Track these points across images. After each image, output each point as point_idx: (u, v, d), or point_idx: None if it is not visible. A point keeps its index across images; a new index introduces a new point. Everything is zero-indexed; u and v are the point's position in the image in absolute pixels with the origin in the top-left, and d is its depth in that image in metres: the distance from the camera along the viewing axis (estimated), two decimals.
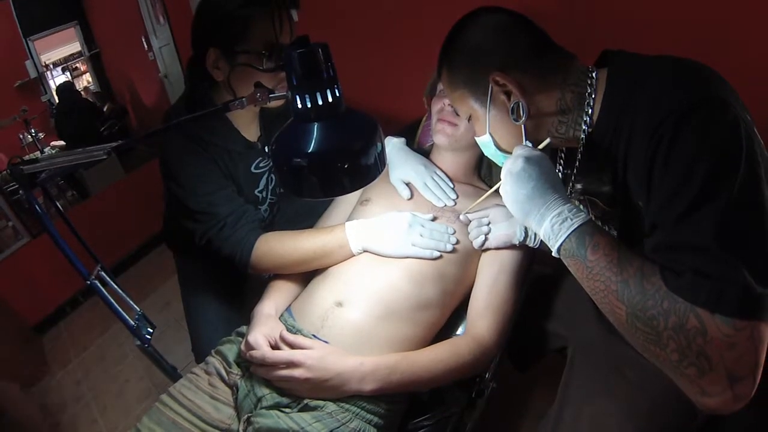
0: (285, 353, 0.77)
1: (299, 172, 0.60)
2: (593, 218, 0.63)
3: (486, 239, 0.90)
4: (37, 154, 2.19)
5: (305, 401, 0.77)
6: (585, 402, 0.83)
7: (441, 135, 0.96)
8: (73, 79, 2.38)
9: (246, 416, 0.78)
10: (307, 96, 0.58)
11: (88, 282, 0.87)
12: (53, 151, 2.25)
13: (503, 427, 1.34)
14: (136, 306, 0.93)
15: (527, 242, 0.90)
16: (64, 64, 2.32)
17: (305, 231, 0.96)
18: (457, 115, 0.93)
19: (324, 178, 0.61)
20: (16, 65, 2.00)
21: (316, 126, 0.60)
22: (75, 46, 2.35)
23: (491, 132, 0.73)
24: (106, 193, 2.25)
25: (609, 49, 0.70)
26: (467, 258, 0.91)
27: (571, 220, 0.62)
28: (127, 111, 2.46)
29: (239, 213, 0.95)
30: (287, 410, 0.77)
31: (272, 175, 1.13)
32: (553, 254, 0.65)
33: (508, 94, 0.68)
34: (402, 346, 0.84)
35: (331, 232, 0.92)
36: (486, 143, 0.75)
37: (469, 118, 0.75)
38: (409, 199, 0.98)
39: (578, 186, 0.80)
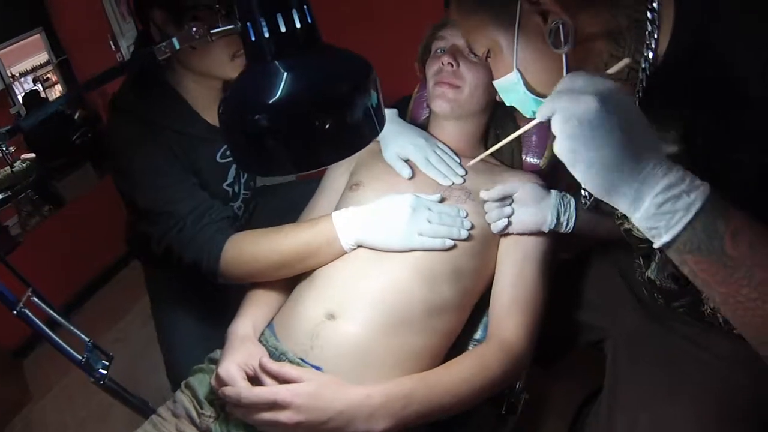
0: (266, 391, 0.56)
1: (259, 137, 0.39)
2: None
3: (509, 223, 0.71)
4: (7, 169, 2.01)
5: None
6: (642, 407, 0.69)
7: (441, 100, 0.76)
8: (45, 90, 2.18)
9: None
10: (263, 21, 0.37)
11: (15, 312, 0.65)
12: (24, 165, 2.06)
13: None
14: (83, 336, 0.72)
15: (559, 229, 0.71)
16: (34, 74, 2.12)
17: (284, 227, 0.75)
18: (473, 54, 0.75)
19: (295, 143, 0.40)
20: None
21: (279, 66, 0.38)
22: (43, 56, 2.16)
23: (519, 68, 0.51)
24: (82, 202, 2.05)
25: None
26: (485, 246, 0.72)
27: (689, 195, 0.38)
28: (99, 117, 2.25)
29: (202, 209, 0.76)
30: None
31: None
32: (655, 247, 0.42)
33: (543, 14, 0.47)
34: (414, 363, 0.65)
35: (315, 225, 0.72)
36: (511, 85, 0.53)
37: (487, 55, 0.54)
38: (410, 179, 0.77)
39: None
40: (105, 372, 0.73)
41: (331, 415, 0.54)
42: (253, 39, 0.38)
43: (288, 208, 0.97)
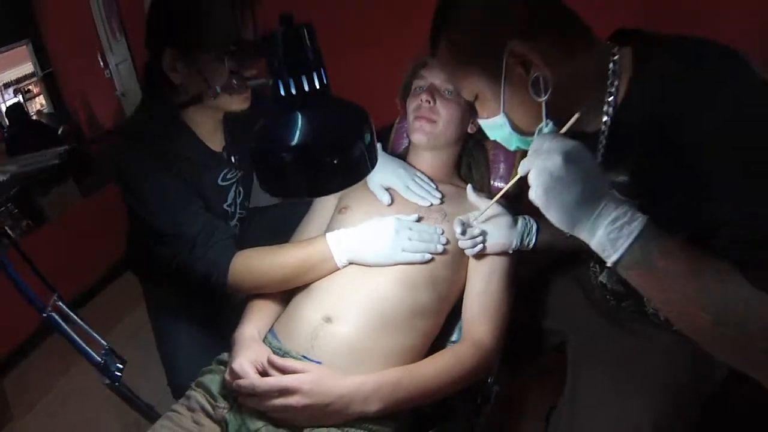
0: (277, 380, 0.67)
1: (283, 169, 0.51)
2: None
3: (484, 247, 0.82)
4: None
5: (305, 431, 0.67)
6: (599, 405, 0.77)
7: (419, 133, 0.88)
8: (25, 101, 2.19)
9: None
10: (291, 81, 0.49)
11: (44, 315, 0.74)
12: (4, 177, 2.05)
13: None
14: (101, 339, 0.80)
15: (522, 248, 0.84)
16: (16, 86, 2.13)
17: (284, 246, 0.86)
18: (447, 99, 0.86)
19: (311, 175, 0.52)
20: None
21: (301, 115, 0.51)
22: (27, 67, 2.16)
23: (507, 112, 0.61)
24: (63, 220, 2.04)
25: (625, 28, 0.63)
26: (458, 259, 0.85)
27: (630, 225, 0.50)
28: (83, 133, 2.27)
29: (209, 230, 0.84)
30: None
31: (240, 188, 1.02)
32: (607, 265, 0.53)
33: (526, 66, 0.57)
34: (400, 358, 0.76)
35: (312, 245, 0.82)
36: (498, 125, 0.63)
37: (475, 99, 0.64)
38: (390, 205, 0.89)
39: None
40: (120, 374, 0.81)
41: (333, 399, 0.65)
42: (282, 94, 0.50)
43: (276, 226, 1.06)
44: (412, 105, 0.89)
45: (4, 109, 2.04)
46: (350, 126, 0.53)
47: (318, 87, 0.50)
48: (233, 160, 0.97)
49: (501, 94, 0.59)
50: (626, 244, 0.51)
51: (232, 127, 0.96)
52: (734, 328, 0.49)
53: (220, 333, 1.02)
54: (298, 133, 0.50)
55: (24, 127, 2.14)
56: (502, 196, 0.76)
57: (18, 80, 2.12)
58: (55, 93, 2.22)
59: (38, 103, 2.26)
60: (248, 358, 0.71)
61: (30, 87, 2.22)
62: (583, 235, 0.54)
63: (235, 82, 0.55)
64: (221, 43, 0.76)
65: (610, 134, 0.60)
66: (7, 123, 2.07)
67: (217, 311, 1.08)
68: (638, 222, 0.51)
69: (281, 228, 1.01)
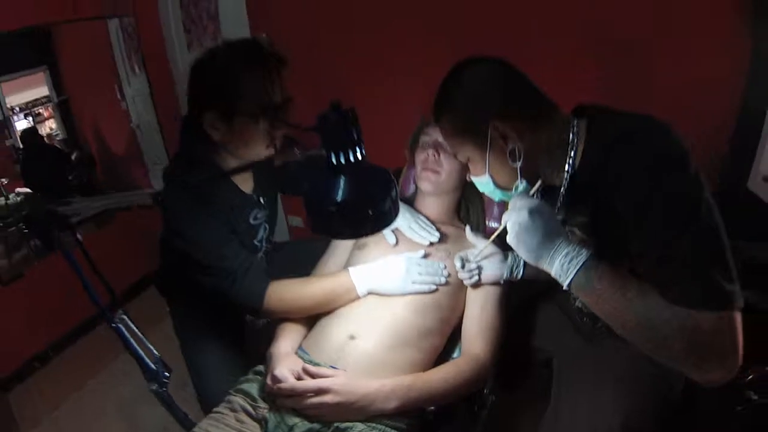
0: (313, 382, 0.83)
1: (331, 218, 0.68)
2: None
3: (479, 279, 0.99)
4: (1, 200, 2.07)
5: (335, 425, 0.82)
6: (579, 401, 0.90)
7: (426, 182, 1.06)
8: (35, 125, 2.28)
9: None
10: (341, 152, 0.67)
11: (113, 325, 0.89)
12: (18, 198, 2.13)
13: None
14: (154, 350, 0.95)
15: (511, 279, 1.01)
16: (27, 110, 2.23)
17: (311, 278, 1.03)
18: (449, 153, 1.03)
19: (353, 223, 0.69)
20: None
21: (346, 178, 0.68)
22: (42, 91, 2.24)
23: (490, 173, 0.80)
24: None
25: (581, 104, 0.81)
26: (458, 288, 1.02)
27: (576, 258, 0.70)
28: (94, 159, 2.38)
29: (248, 263, 0.98)
30: None
31: (267, 225, 1.17)
32: (564, 287, 0.73)
33: (505, 139, 0.75)
34: (410, 370, 0.92)
35: (337, 278, 0.99)
36: (485, 183, 0.83)
37: (467, 160, 0.83)
38: (395, 245, 1.06)
39: (559, 217, 0.89)
40: (167, 381, 0.96)
41: (359, 397, 0.81)
42: (334, 163, 0.67)
43: (297, 259, 1.21)
44: (420, 157, 1.08)
45: (18, 131, 2.15)
46: (381, 186, 0.70)
47: (359, 158, 0.68)
48: (262, 201, 1.12)
49: (486, 160, 0.79)
50: (573, 272, 0.70)
51: (260, 173, 1.11)
52: (653, 330, 0.65)
53: (245, 351, 1.17)
54: (341, 191, 0.67)
55: (38, 151, 2.25)
56: (494, 238, 0.94)
57: (33, 103, 2.21)
58: (68, 119, 2.33)
59: (47, 127, 2.37)
60: (286, 366, 0.87)
61: (40, 110, 2.34)
62: (544, 266, 0.74)
63: (298, 151, 0.72)
64: (254, 106, 0.89)
65: (569, 188, 0.79)
66: (21, 146, 2.19)
67: (241, 333, 1.23)
68: (583, 255, 0.70)
69: (302, 260, 1.16)
